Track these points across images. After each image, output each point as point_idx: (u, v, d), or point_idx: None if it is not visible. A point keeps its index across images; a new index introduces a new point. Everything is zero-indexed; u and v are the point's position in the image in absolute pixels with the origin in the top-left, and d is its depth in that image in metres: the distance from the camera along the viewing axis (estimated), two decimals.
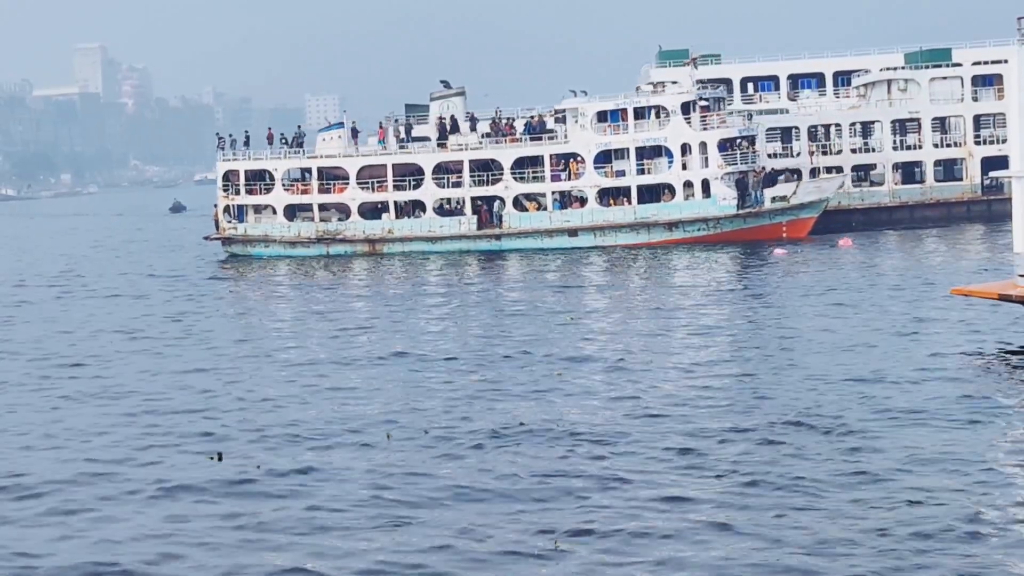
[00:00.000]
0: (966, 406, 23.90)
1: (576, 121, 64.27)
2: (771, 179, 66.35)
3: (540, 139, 65.10)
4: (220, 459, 22.49)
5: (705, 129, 62.76)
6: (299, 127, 71.94)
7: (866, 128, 72.75)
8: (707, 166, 62.51)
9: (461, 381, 28.86)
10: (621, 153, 63.88)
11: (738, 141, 63.42)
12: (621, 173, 63.77)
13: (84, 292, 54.45)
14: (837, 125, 72.36)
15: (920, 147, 71.48)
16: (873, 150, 71.78)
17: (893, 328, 33.66)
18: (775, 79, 78.62)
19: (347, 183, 66.49)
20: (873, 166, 72.12)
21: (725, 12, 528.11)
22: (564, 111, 65.48)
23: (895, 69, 73.88)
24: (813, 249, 58.10)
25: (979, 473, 19.52)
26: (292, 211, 67.71)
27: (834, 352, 30.53)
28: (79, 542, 18.35)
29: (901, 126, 72.03)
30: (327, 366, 31.89)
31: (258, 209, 68.43)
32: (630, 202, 63.35)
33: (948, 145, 71.80)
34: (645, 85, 68.19)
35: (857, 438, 21.88)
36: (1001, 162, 55.27)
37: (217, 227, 69.68)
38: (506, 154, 64.76)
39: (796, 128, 72.08)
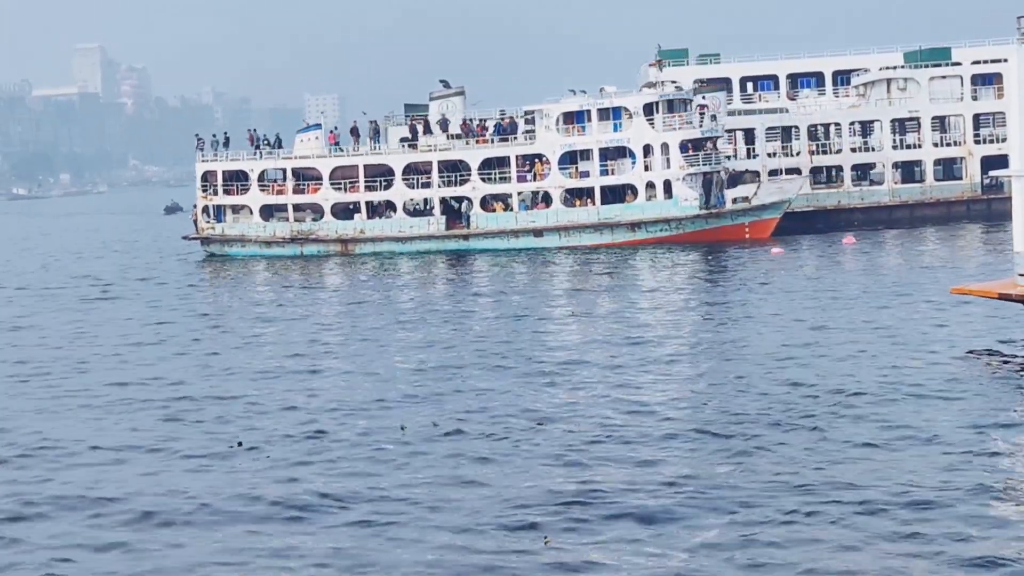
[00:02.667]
0: (966, 405, 23.78)
1: (542, 122, 65.53)
2: (734, 180, 67.35)
3: (507, 140, 66.28)
4: (240, 445, 23.42)
5: (667, 130, 63.77)
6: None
7: (866, 127, 73.29)
8: (669, 167, 63.61)
9: (454, 381, 29.05)
10: (586, 154, 64.91)
11: (702, 142, 64.38)
12: (585, 174, 64.76)
13: (64, 291, 55.51)
14: (837, 124, 72.95)
15: (920, 146, 71.96)
16: (873, 149, 72.30)
17: (892, 327, 33.37)
18: (774, 78, 79.19)
19: (320, 183, 67.91)
20: (873, 165, 72.73)
21: (726, 11, 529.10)
22: (533, 112, 66.60)
23: (894, 68, 74.37)
24: (813, 248, 58.39)
25: (979, 472, 19.42)
26: (269, 211, 68.90)
27: (833, 351, 30.36)
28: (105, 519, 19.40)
29: (901, 125, 72.52)
30: (330, 365, 32.08)
31: (236, 209, 69.62)
32: (594, 203, 64.47)
33: (948, 144, 72.19)
34: (644, 85, 69.15)
35: (855, 437, 21.77)
36: (1001, 161, 55.54)
37: (196, 227, 71.15)
38: (474, 155, 65.82)
39: (796, 127, 72.58)
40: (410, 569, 16.70)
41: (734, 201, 63.98)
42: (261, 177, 68.94)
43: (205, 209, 69.93)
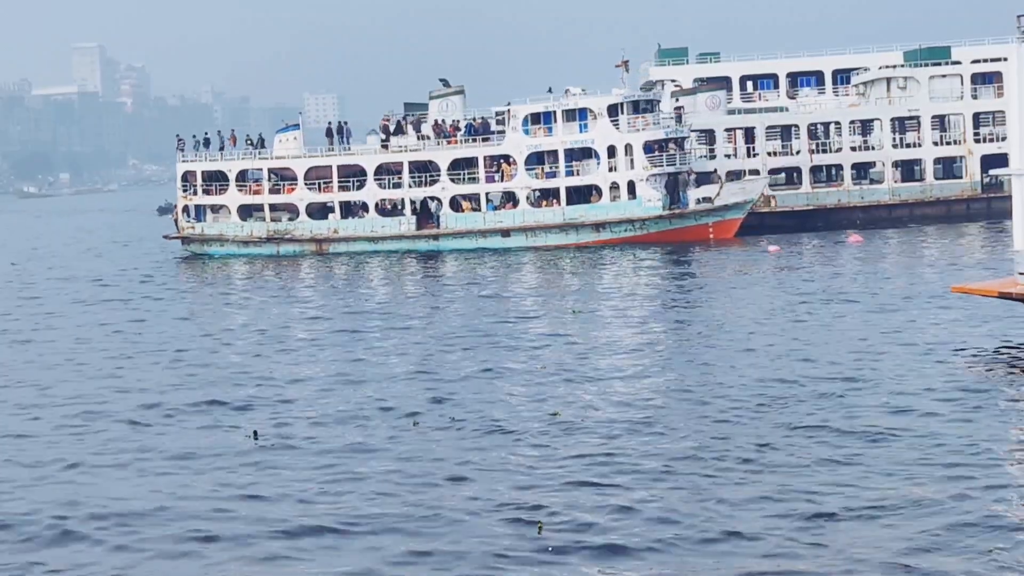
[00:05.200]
0: (966, 404, 23.87)
1: (510, 123, 66.59)
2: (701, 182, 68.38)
3: (476, 141, 67.62)
4: (256, 437, 24.12)
5: (631, 131, 64.84)
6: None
7: (865, 126, 73.75)
8: (633, 167, 64.82)
9: (452, 378, 29.43)
10: (552, 155, 65.96)
11: (666, 143, 65.51)
12: (551, 174, 65.94)
13: (53, 290, 56.56)
14: (836, 123, 73.48)
15: (920, 145, 72.34)
16: (873, 148, 72.74)
17: (892, 326, 33.49)
18: (774, 77, 79.91)
19: (296, 184, 69.28)
20: (873, 164, 73.30)
21: (729, 10, 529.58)
22: (504, 113, 67.81)
23: (894, 67, 74.88)
24: (811, 246, 58.82)
25: (980, 471, 19.54)
26: (247, 211, 70.17)
27: (832, 349, 30.45)
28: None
29: (900, 124, 72.90)
30: (337, 361, 32.65)
31: (215, 209, 70.93)
32: (560, 203, 65.67)
33: (948, 143, 72.55)
34: (644, 83, 70.31)
35: (856, 437, 21.87)
36: (1001, 160, 56.20)
37: (177, 227, 72.52)
38: (443, 156, 67.03)
39: (796, 126, 73.10)
40: (409, 556, 17.28)
41: (697, 201, 65.07)
42: (240, 177, 70.26)
43: (185, 209, 71.29)
